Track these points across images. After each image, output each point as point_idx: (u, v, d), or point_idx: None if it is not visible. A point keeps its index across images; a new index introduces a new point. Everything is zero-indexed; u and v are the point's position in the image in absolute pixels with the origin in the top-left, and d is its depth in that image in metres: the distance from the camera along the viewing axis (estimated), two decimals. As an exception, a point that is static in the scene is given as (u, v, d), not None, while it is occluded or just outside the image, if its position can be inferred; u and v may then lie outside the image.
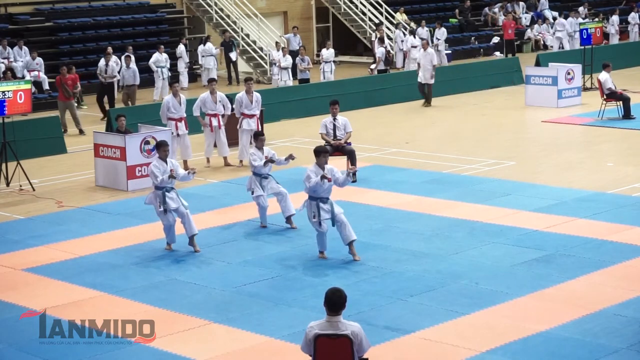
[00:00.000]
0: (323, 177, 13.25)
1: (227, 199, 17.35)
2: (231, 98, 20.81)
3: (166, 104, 19.72)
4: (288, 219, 15.28)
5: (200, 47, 32.24)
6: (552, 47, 38.94)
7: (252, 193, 15.28)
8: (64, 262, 13.92)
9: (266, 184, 15.23)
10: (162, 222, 14.25)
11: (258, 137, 15.52)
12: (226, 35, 32.86)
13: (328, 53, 30.47)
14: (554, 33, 39.21)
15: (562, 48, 37.77)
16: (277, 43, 31.71)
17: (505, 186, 17.61)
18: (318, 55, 38.10)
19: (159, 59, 29.85)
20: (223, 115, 20.23)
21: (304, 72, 29.58)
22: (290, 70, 29.84)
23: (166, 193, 14.03)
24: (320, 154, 13.59)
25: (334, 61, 30.85)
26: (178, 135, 19.56)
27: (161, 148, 14.36)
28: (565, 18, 39.07)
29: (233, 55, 32.81)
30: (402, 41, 34.58)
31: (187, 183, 16.67)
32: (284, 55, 29.78)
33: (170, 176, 13.93)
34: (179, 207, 14.09)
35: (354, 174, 13.52)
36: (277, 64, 29.78)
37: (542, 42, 40.34)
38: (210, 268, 13.49)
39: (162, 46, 30.45)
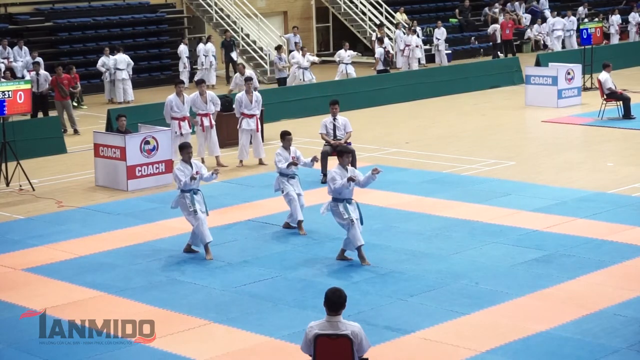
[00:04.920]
0: (350, 179, 13.19)
1: (227, 199, 17.34)
2: (232, 98, 20.79)
3: (169, 103, 19.69)
4: (287, 224, 15.24)
5: (201, 46, 32.25)
6: (550, 48, 38.95)
7: (282, 192, 15.04)
8: (64, 262, 13.92)
9: (293, 183, 15.08)
10: (191, 224, 13.91)
11: (285, 137, 15.23)
12: (227, 35, 32.85)
13: (346, 54, 30.63)
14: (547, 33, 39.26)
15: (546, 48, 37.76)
16: (295, 43, 31.77)
17: (505, 186, 17.60)
18: (319, 56, 38.17)
19: (105, 62, 29.71)
20: (213, 114, 20.21)
21: (282, 71, 29.44)
22: (310, 70, 29.87)
23: (194, 195, 13.92)
24: (344, 154, 13.49)
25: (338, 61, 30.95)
26: (181, 134, 19.53)
27: (184, 150, 14.08)
28: (563, 17, 39.17)
29: (234, 55, 32.80)
30: (402, 41, 34.59)
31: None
32: (303, 56, 29.83)
33: (191, 177, 13.78)
34: (203, 212, 13.94)
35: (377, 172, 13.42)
36: (298, 65, 29.77)
37: (542, 42, 40.32)
38: (210, 268, 13.48)
39: (108, 49, 30.14)
